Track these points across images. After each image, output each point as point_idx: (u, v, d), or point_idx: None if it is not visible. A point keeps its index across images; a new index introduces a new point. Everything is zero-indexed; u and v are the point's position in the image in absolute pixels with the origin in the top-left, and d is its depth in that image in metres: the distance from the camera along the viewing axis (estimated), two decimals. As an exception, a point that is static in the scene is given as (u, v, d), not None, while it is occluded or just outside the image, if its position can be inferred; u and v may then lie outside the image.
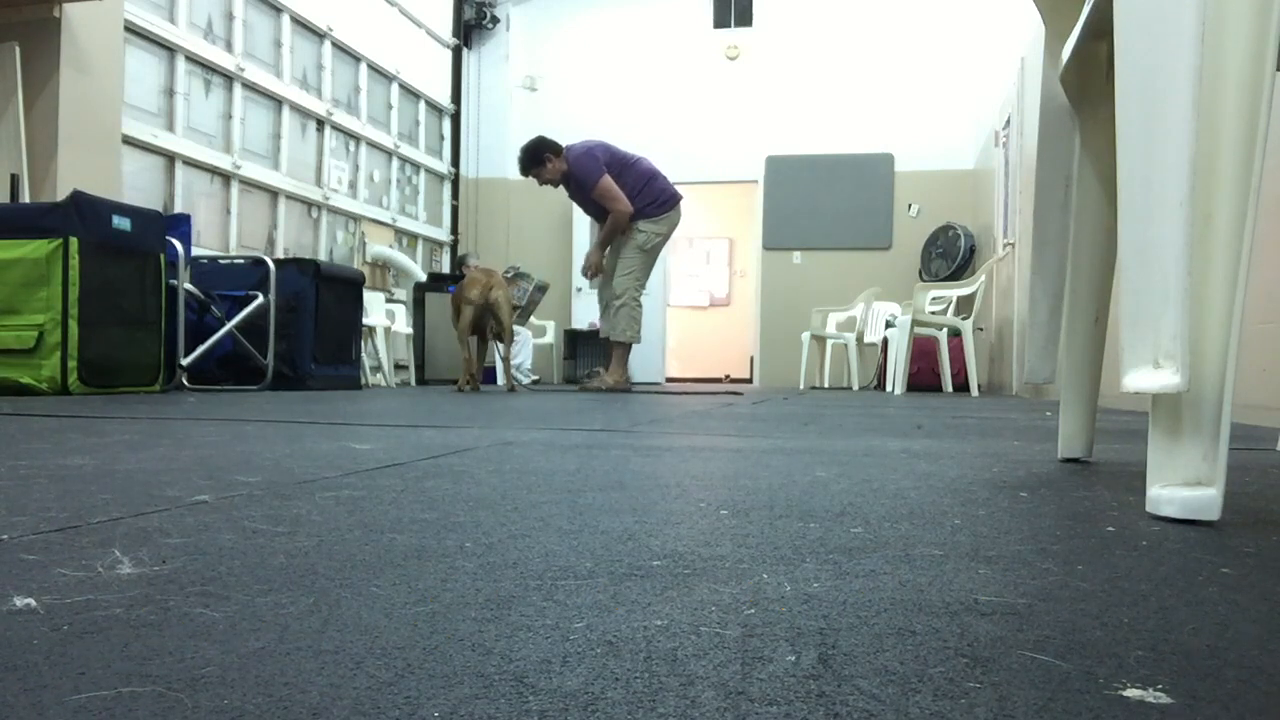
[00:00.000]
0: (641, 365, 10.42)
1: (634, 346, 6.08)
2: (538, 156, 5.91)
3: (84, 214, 4.18)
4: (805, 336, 8.71)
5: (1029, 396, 6.28)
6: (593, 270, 6.04)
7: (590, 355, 10.13)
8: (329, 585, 0.65)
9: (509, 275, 9.07)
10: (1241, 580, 0.71)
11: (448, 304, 8.18)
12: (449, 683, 0.45)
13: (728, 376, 13.31)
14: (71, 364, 4.09)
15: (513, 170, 10.94)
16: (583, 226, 10.56)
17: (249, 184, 7.14)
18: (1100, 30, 1.33)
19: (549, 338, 9.99)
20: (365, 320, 6.66)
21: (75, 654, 0.49)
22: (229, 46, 6.87)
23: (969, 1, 9.76)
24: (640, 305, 6.02)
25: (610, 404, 4.00)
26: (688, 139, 10.52)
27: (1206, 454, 0.95)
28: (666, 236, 6.04)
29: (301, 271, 5.65)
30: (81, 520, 0.89)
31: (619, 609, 0.60)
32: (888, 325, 8.14)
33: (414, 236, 9.78)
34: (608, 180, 5.81)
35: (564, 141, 5.79)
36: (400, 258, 9.13)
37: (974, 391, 6.96)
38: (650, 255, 6.00)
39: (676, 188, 6.06)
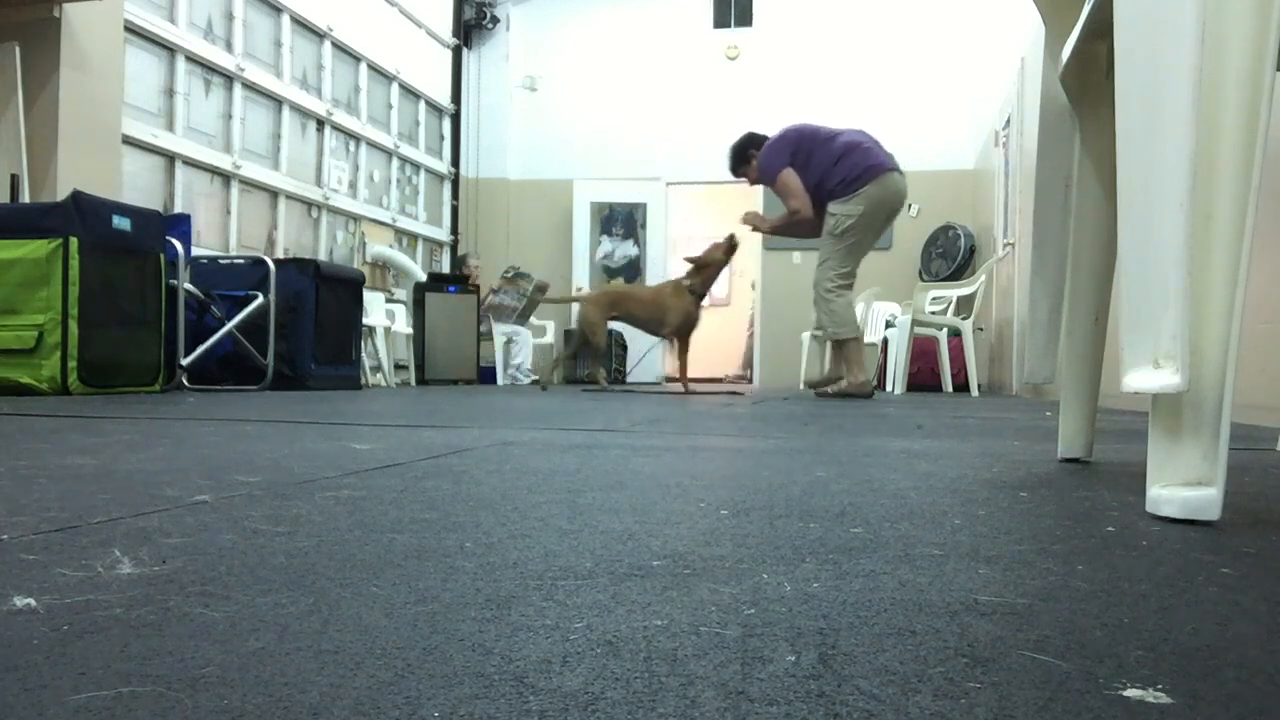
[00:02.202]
0: (641, 365, 10.42)
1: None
2: (743, 155, 5.53)
3: (84, 214, 4.18)
4: (805, 336, 8.71)
5: (1029, 396, 6.28)
6: (750, 223, 5.67)
7: (590, 355, 10.13)
8: (329, 585, 0.65)
9: (509, 275, 9.08)
10: (1241, 580, 0.71)
11: (448, 304, 8.23)
12: (449, 683, 0.45)
13: (728, 376, 13.30)
14: (71, 364, 4.09)
15: (513, 170, 11.04)
16: (583, 227, 10.58)
17: (249, 184, 7.13)
18: (1100, 30, 1.33)
19: (549, 338, 9.98)
20: (365, 320, 6.65)
21: (75, 654, 0.49)
22: (229, 46, 6.87)
23: (969, 1, 9.76)
24: (836, 296, 5.30)
25: (610, 404, 4.00)
26: (688, 139, 10.52)
27: (1206, 454, 0.95)
28: (864, 216, 5.20)
29: (301, 271, 5.64)
30: (81, 520, 0.89)
31: (619, 609, 0.60)
32: (888, 325, 8.14)
33: (414, 236, 9.78)
34: (784, 177, 5.31)
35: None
36: (400, 258, 9.13)
37: (974, 391, 6.96)
38: (844, 240, 5.25)
39: (877, 159, 5.23)
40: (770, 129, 10.52)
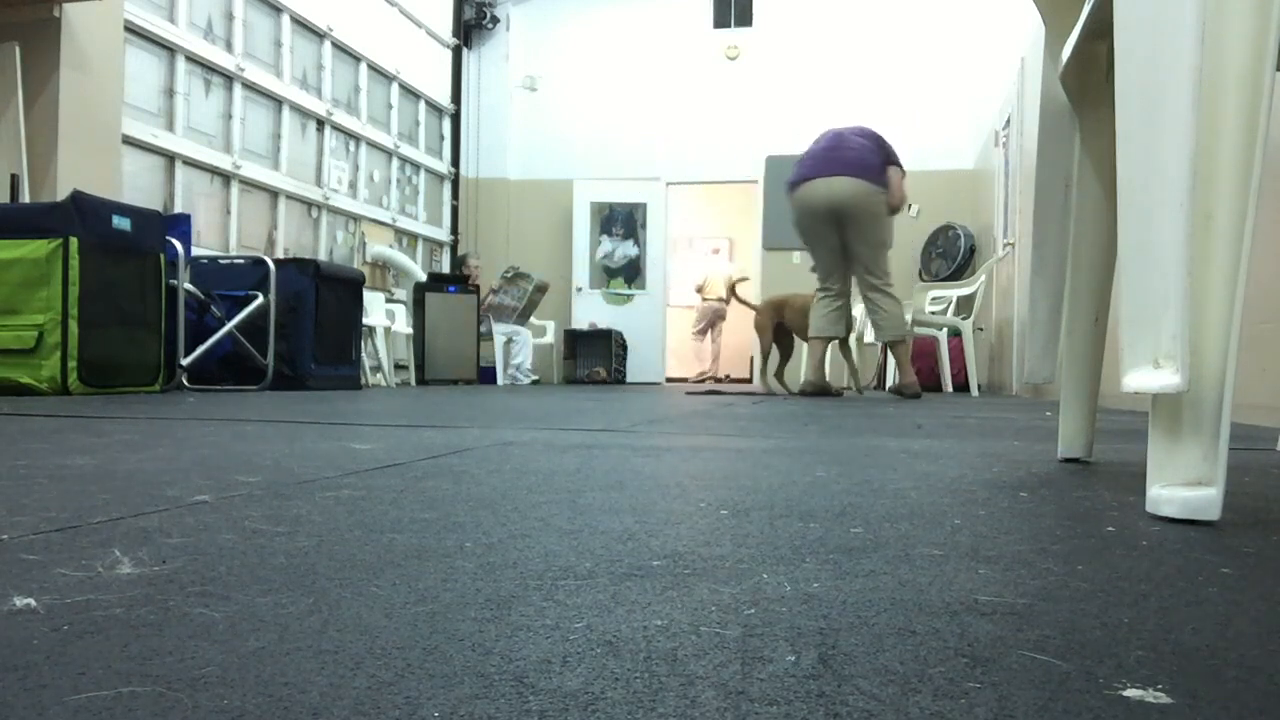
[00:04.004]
0: (641, 365, 10.43)
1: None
2: None
3: (84, 214, 4.18)
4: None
5: (1029, 396, 6.28)
6: None
7: (590, 355, 10.13)
8: (329, 585, 0.65)
9: (509, 275, 9.09)
10: (1241, 580, 0.71)
11: (448, 304, 8.24)
12: (449, 683, 0.45)
13: (728, 376, 13.31)
14: (71, 364, 4.09)
15: (513, 170, 11.04)
16: (583, 227, 10.58)
17: (249, 184, 7.14)
18: (1100, 30, 1.33)
19: (549, 338, 9.99)
20: (365, 320, 6.65)
21: (75, 654, 0.49)
22: (229, 46, 6.87)
23: (969, 1, 9.77)
24: (816, 300, 5.69)
25: (610, 404, 4.00)
26: (688, 139, 10.52)
27: (1206, 454, 0.95)
28: (800, 225, 5.52)
29: (301, 271, 5.64)
30: (81, 520, 0.89)
31: (619, 609, 0.60)
32: (888, 325, 8.13)
33: (414, 236, 9.78)
34: None
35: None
36: (400, 258, 9.13)
37: (974, 391, 6.96)
38: (804, 243, 5.65)
39: (797, 173, 5.50)
40: (770, 129, 10.53)
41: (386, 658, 0.49)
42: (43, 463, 1.37)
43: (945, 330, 7.38)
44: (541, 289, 9.11)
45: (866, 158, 5.39)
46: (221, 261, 5.71)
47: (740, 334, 12.93)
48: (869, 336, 8.61)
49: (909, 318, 7.17)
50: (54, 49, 4.97)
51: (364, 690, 0.44)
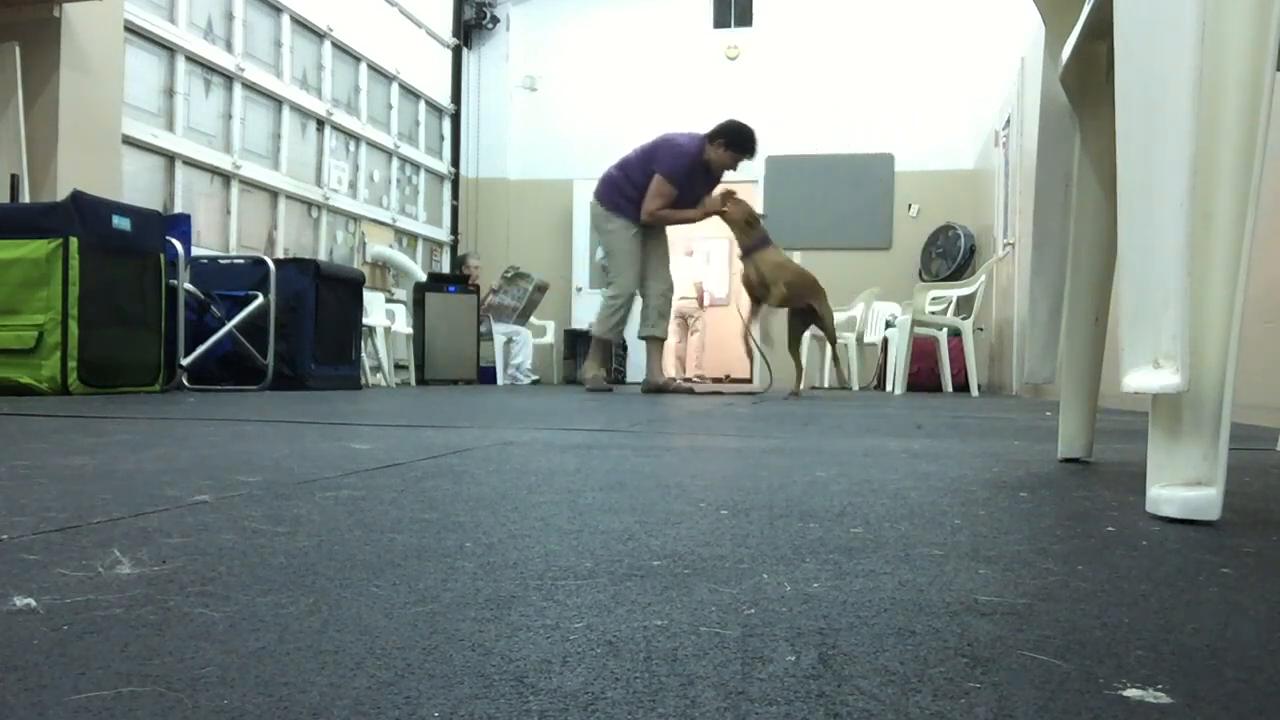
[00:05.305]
0: (641, 365, 10.42)
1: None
2: None
3: (84, 214, 4.18)
4: (805, 336, 8.70)
5: (1029, 396, 6.28)
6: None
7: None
8: (329, 585, 0.65)
9: (509, 275, 9.08)
10: (1241, 580, 0.71)
11: (448, 304, 8.23)
12: (449, 683, 0.45)
13: (728, 376, 13.31)
14: (71, 364, 4.09)
15: (513, 170, 11.04)
16: (583, 227, 10.58)
17: (249, 184, 7.13)
18: (1100, 30, 1.33)
19: (549, 338, 9.98)
20: (365, 320, 6.65)
21: (75, 654, 0.49)
22: (229, 46, 6.87)
23: (969, 1, 9.76)
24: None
25: (610, 404, 4.01)
26: (688, 139, 10.50)
27: (1206, 454, 0.95)
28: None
29: (301, 271, 5.64)
30: (81, 520, 0.89)
31: (619, 609, 0.60)
32: (888, 325, 8.14)
33: (414, 236, 9.78)
34: None
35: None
36: (400, 258, 9.13)
37: (974, 391, 6.96)
38: None
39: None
40: (770, 129, 10.51)
41: (386, 658, 0.49)
42: (43, 463, 1.37)
43: (945, 330, 7.38)
44: (541, 289, 9.11)
45: (611, 177, 6.08)
46: (221, 261, 5.70)
47: (734, 334, 12.93)
48: (869, 336, 8.63)
49: (907, 318, 7.18)
50: (54, 49, 4.97)
51: (364, 690, 0.44)
